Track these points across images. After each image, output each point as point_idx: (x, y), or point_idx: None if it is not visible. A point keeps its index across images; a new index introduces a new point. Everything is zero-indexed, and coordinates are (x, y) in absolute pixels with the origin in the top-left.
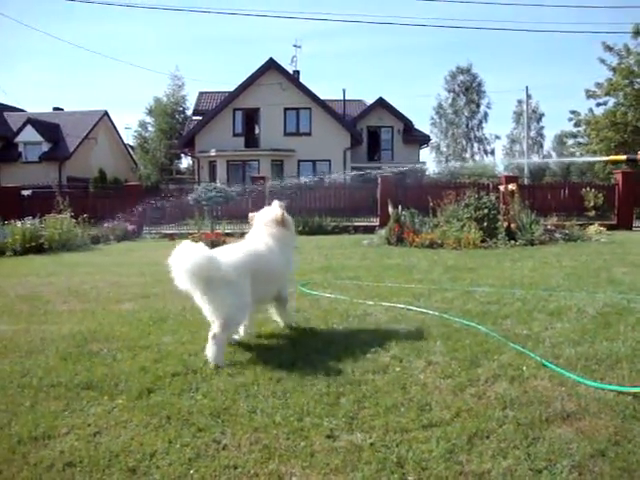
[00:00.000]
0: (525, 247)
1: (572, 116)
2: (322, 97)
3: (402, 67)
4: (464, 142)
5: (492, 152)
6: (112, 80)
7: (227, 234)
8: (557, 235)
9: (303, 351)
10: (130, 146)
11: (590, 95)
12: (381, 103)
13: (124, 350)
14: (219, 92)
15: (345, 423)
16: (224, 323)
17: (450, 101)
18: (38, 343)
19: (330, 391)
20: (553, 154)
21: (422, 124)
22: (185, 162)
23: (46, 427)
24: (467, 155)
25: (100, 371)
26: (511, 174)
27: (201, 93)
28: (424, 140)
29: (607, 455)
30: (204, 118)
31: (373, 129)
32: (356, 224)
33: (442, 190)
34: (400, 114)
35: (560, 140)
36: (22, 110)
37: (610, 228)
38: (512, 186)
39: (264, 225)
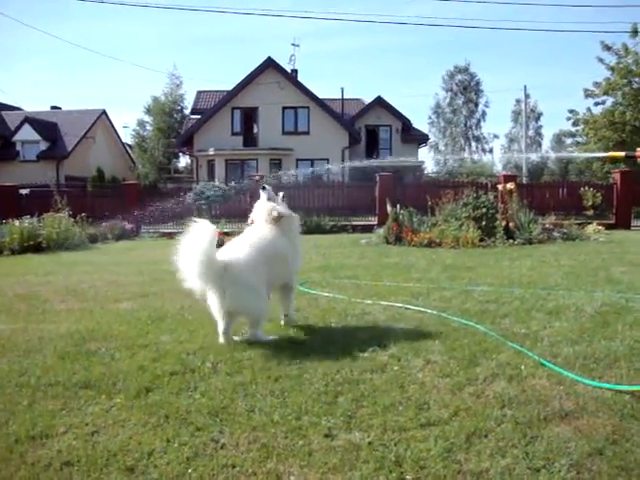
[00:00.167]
0: (523, 246)
1: (570, 115)
2: (320, 96)
3: (401, 66)
4: (462, 141)
5: (490, 151)
6: (110, 79)
7: (226, 233)
8: (555, 234)
9: (301, 350)
10: (128, 145)
11: (588, 94)
12: (379, 102)
13: (122, 349)
14: (217, 91)
15: (343, 422)
16: (251, 321)
17: (448, 100)
18: (36, 342)
19: (328, 390)
20: (552, 156)
21: (420, 123)
22: (183, 161)
23: (44, 426)
24: (465, 154)
25: (98, 370)
26: (509, 173)
27: (199, 92)
28: (422, 139)
29: (605, 454)
30: (202, 117)
31: (371, 128)
32: (354, 223)
33: (440, 189)
34: (398, 113)
35: (558, 139)
36: (20, 109)
37: (608, 227)
38: (510, 185)
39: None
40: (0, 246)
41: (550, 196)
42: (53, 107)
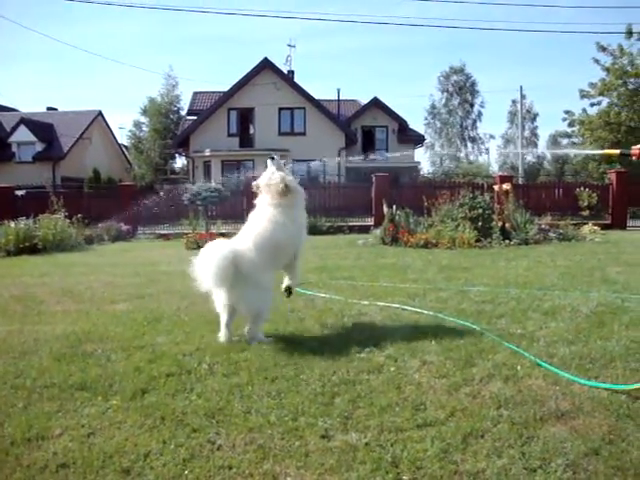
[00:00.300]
0: (519, 246)
1: (566, 116)
2: (317, 97)
3: (397, 67)
4: (458, 142)
5: (487, 151)
6: (106, 80)
7: (222, 234)
8: (551, 234)
9: (298, 351)
10: (124, 146)
11: (584, 95)
12: (376, 103)
13: (118, 351)
14: (213, 92)
15: (340, 423)
16: (253, 317)
17: (444, 101)
18: (32, 344)
19: (325, 391)
20: (547, 154)
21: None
22: (179, 162)
23: (39, 428)
24: (462, 155)
25: (94, 372)
26: (505, 174)
27: (195, 93)
28: (419, 140)
29: (601, 454)
30: (199, 118)
31: (368, 129)
32: (351, 224)
33: (437, 190)
34: (395, 114)
35: (554, 140)
36: (15, 110)
37: (604, 228)
38: (506, 186)
39: (268, 198)
40: None
41: (546, 197)
42: (49, 108)
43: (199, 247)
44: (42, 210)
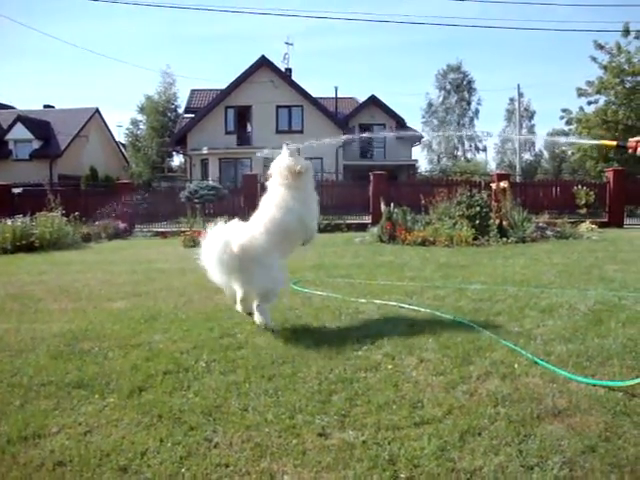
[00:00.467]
0: (517, 244)
1: (564, 114)
2: (314, 95)
3: (395, 65)
4: (456, 140)
5: (484, 149)
6: (104, 78)
7: None
8: (549, 232)
9: (295, 349)
10: (122, 144)
11: (581, 93)
12: (373, 101)
13: (115, 348)
14: (211, 90)
15: (337, 421)
16: (262, 296)
17: (441, 99)
18: (29, 342)
19: (322, 389)
20: (545, 152)
21: (414, 122)
22: (177, 160)
23: (36, 426)
24: (459, 153)
25: (91, 370)
26: (503, 172)
27: (193, 91)
28: (416, 138)
29: (598, 451)
30: (196, 116)
31: (365, 127)
32: (348, 222)
33: (434, 188)
34: (392, 112)
35: (552, 140)
36: (12, 107)
37: (601, 226)
38: (504, 184)
39: (280, 179)
40: None
41: (543, 195)
42: (46, 106)
43: (196, 245)
44: (39, 208)
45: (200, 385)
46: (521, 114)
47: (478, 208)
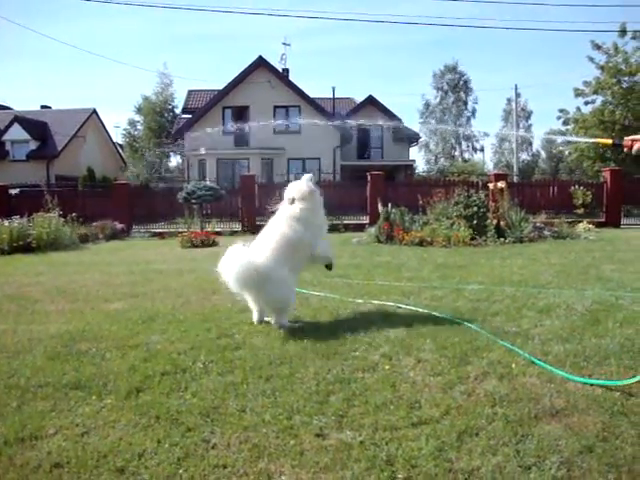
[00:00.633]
0: (514, 244)
1: (561, 114)
2: (312, 95)
3: (393, 65)
4: (453, 140)
5: (482, 149)
6: (101, 78)
7: (217, 232)
8: (546, 232)
9: (292, 349)
10: (119, 145)
11: (578, 94)
12: (371, 101)
13: (113, 349)
14: (208, 90)
15: (334, 421)
16: (278, 311)
17: (438, 100)
18: (26, 343)
19: (319, 389)
20: (542, 152)
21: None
22: (174, 160)
23: (33, 428)
24: (456, 153)
25: (88, 371)
26: (500, 172)
27: (190, 91)
28: (413, 138)
29: (595, 451)
30: (193, 116)
31: (362, 127)
32: (346, 222)
33: (432, 188)
34: (390, 112)
35: (549, 138)
36: (9, 108)
37: (599, 225)
38: (501, 184)
39: (291, 202)
40: None
41: (541, 195)
42: (43, 106)
43: (194, 246)
44: (36, 209)
45: (198, 386)
46: (518, 114)
47: (475, 208)
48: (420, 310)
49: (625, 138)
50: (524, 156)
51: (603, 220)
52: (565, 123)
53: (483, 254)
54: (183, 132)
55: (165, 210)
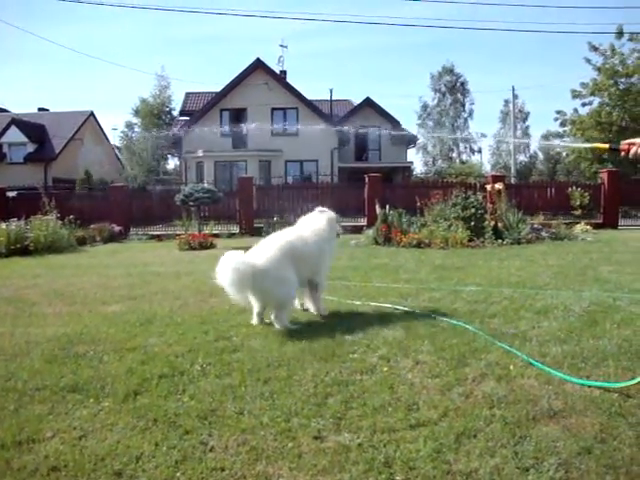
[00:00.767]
0: (512, 246)
1: (558, 116)
2: (309, 97)
3: (391, 67)
4: (451, 142)
5: (479, 151)
6: (98, 81)
7: (214, 235)
8: (544, 234)
9: (290, 352)
10: (117, 147)
11: (575, 95)
12: (368, 103)
13: (110, 352)
14: (206, 92)
15: (333, 424)
16: (277, 306)
17: (436, 101)
18: (23, 346)
19: (317, 392)
20: (539, 154)
21: (409, 124)
22: (172, 163)
23: (30, 431)
24: (454, 155)
25: (86, 374)
26: (498, 173)
27: (188, 94)
28: (411, 140)
29: (593, 452)
30: (191, 119)
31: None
32: (343, 224)
33: (429, 190)
34: (387, 114)
35: (546, 140)
36: (6, 110)
37: (596, 227)
38: (499, 185)
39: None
40: None
41: (538, 196)
42: (40, 109)
43: (192, 248)
44: (34, 211)
45: (195, 389)
46: (516, 116)
47: (473, 210)
48: (418, 312)
49: (622, 142)
50: (522, 157)
51: (601, 221)
52: (562, 124)
53: (481, 256)
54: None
55: (163, 212)
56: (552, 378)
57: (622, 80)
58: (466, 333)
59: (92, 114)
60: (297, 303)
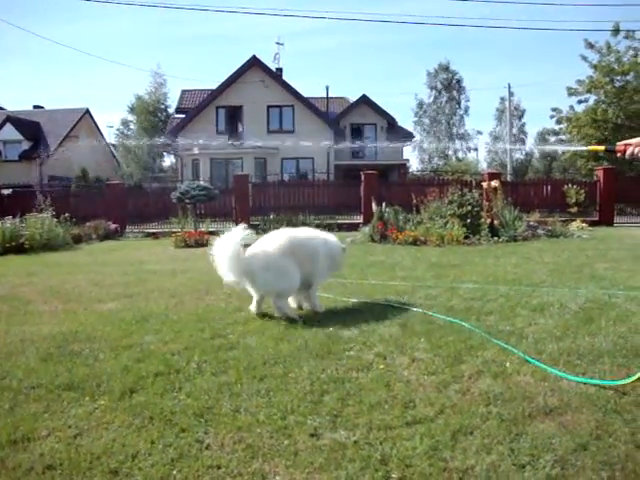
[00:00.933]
0: (508, 243)
1: (554, 113)
2: (305, 94)
3: (386, 64)
4: (447, 139)
5: (475, 149)
6: (93, 78)
7: (210, 232)
8: (540, 231)
9: (286, 349)
10: (112, 145)
11: (571, 92)
12: (364, 100)
13: (106, 350)
14: (202, 90)
15: (329, 421)
16: (277, 295)
17: (432, 99)
18: (18, 344)
19: (314, 389)
20: (535, 151)
21: (405, 121)
22: (168, 160)
23: (25, 430)
24: (450, 152)
25: (82, 372)
26: (494, 171)
27: (184, 91)
28: (407, 137)
29: (589, 449)
30: (187, 116)
31: (356, 126)
32: (340, 222)
33: (426, 187)
34: (383, 111)
35: (542, 137)
36: (1, 108)
37: (592, 224)
38: (495, 183)
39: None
40: None
41: (534, 194)
42: (35, 106)
43: (187, 246)
44: (29, 209)
45: (191, 386)
46: (512, 113)
47: (469, 207)
48: (414, 309)
49: (617, 143)
50: (517, 155)
51: (596, 219)
52: (558, 122)
53: (477, 253)
54: (176, 132)
55: (159, 210)
56: (548, 375)
57: (618, 78)
58: (462, 330)
59: (87, 111)
60: (294, 303)
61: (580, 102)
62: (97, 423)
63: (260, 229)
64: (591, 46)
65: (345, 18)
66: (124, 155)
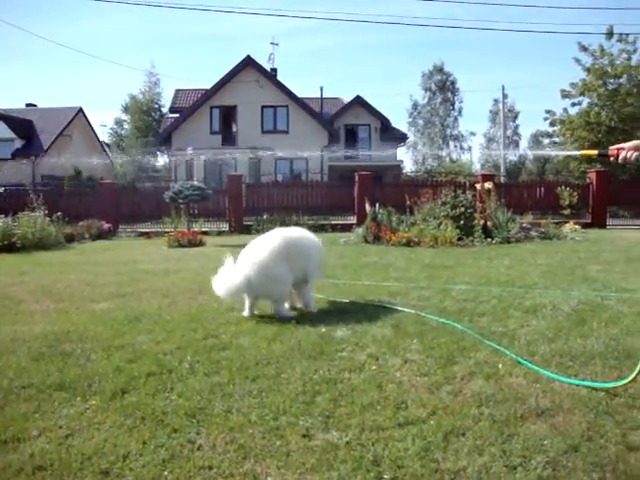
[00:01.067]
0: (501, 245)
1: (547, 115)
2: (299, 95)
3: (381, 65)
4: (440, 141)
5: (469, 149)
6: (87, 77)
7: (204, 232)
8: (533, 233)
9: (279, 350)
10: (106, 144)
11: (565, 95)
12: (359, 101)
13: (98, 350)
14: (196, 89)
15: (321, 422)
16: (274, 301)
17: (426, 100)
18: (9, 343)
19: (306, 390)
20: (529, 153)
21: (399, 123)
22: (162, 160)
23: (16, 430)
24: (444, 153)
25: (73, 372)
26: (487, 172)
27: (177, 90)
28: (401, 138)
29: (580, 450)
30: (181, 116)
31: (350, 127)
32: (333, 222)
33: (419, 188)
34: (377, 112)
35: (536, 139)
36: None
37: (585, 226)
38: (488, 184)
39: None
40: None
41: (528, 195)
42: (28, 104)
43: (181, 245)
44: (21, 208)
45: (184, 387)
46: (505, 115)
47: (463, 209)
48: (407, 310)
49: (610, 147)
50: (511, 157)
51: (589, 221)
52: (552, 124)
53: (470, 254)
54: (170, 131)
55: (152, 210)
56: (540, 377)
57: (611, 81)
58: (455, 332)
59: (81, 110)
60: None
61: (574, 105)
62: (88, 423)
63: (253, 229)
64: (585, 49)
65: (340, 19)
66: (118, 154)
